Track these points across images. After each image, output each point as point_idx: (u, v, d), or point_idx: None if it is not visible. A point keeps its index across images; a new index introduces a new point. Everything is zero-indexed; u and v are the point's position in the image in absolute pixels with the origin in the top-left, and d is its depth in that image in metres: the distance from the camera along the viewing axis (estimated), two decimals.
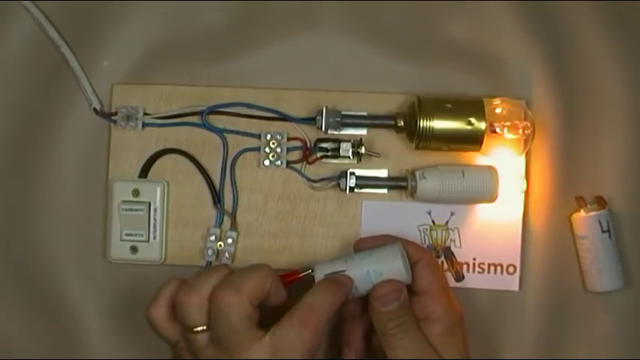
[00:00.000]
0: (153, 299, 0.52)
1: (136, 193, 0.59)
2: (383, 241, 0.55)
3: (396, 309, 0.51)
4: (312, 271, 0.54)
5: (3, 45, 0.61)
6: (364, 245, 0.56)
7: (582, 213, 0.59)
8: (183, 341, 0.51)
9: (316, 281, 0.53)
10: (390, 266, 0.53)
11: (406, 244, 0.54)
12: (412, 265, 0.54)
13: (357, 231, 0.60)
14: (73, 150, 0.61)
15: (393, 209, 0.60)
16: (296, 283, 0.55)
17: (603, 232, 0.58)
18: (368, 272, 0.52)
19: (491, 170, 0.58)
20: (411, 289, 0.54)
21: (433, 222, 0.60)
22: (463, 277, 0.60)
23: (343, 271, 0.53)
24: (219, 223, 0.60)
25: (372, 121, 0.59)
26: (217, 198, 0.60)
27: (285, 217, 0.60)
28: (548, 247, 0.60)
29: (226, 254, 0.60)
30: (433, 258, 0.57)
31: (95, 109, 0.61)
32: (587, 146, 0.60)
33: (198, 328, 0.50)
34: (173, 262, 0.60)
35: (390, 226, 0.59)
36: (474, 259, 0.60)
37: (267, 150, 0.60)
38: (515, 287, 0.60)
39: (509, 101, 0.58)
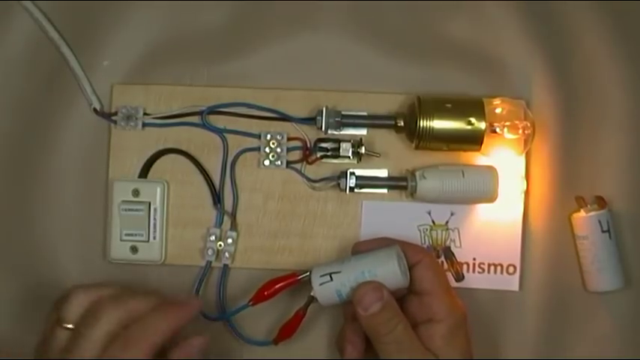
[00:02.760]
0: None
1: (136, 193, 0.59)
2: (381, 243, 0.55)
3: (380, 311, 0.51)
4: (310, 273, 0.54)
5: (3, 45, 0.61)
6: (362, 248, 0.56)
7: (582, 213, 0.59)
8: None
9: (313, 284, 0.53)
10: (385, 268, 0.52)
11: (405, 246, 0.54)
12: (413, 266, 0.54)
13: (357, 231, 0.60)
14: (73, 150, 0.61)
15: (393, 209, 0.60)
16: (295, 285, 0.55)
17: (603, 232, 0.58)
18: (363, 272, 0.52)
19: (491, 170, 0.58)
20: (413, 291, 0.54)
21: (433, 222, 0.60)
22: (463, 277, 0.60)
23: (339, 272, 0.53)
24: (219, 223, 0.60)
25: (372, 121, 0.59)
26: (217, 198, 0.60)
27: (285, 217, 0.60)
28: (548, 247, 0.60)
29: (226, 254, 0.60)
30: (434, 258, 0.57)
31: (95, 109, 0.61)
32: (587, 146, 0.61)
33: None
34: (173, 262, 0.60)
35: (390, 226, 0.59)
36: (474, 259, 0.60)
37: (267, 150, 0.60)
38: (515, 287, 0.60)
39: (509, 101, 0.58)
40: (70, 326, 0.50)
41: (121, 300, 0.50)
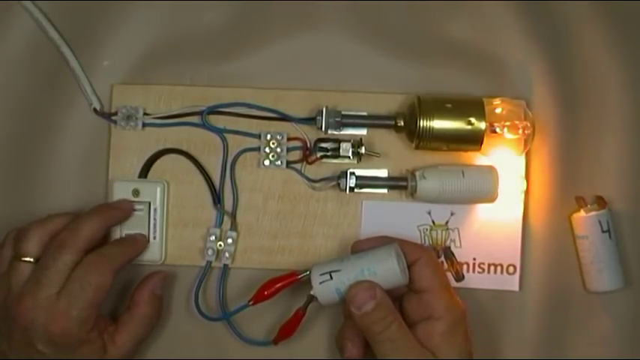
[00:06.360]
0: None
1: (136, 193, 0.59)
2: (380, 242, 0.55)
3: (373, 310, 0.51)
4: (310, 272, 0.54)
5: (3, 45, 0.61)
6: (361, 247, 0.56)
7: (582, 213, 0.59)
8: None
9: (312, 283, 0.53)
10: (384, 266, 0.53)
11: (404, 244, 0.54)
12: (411, 264, 0.54)
13: (357, 231, 0.60)
14: (73, 150, 0.61)
15: (393, 209, 0.60)
16: (295, 285, 0.55)
17: (603, 232, 0.58)
18: (362, 270, 0.53)
19: (491, 170, 0.58)
20: (412, 289, 0.54)
21: (433, 222, 0.60)
22: (463, 277, 0.60)
23: (338, 270, 0.53)
24: (219, 223, 0.60)
25: (372, 121, 0.59)
26: (217, 198, 0.60)
27: (285, 217, 0.60)
28: (548, 247, 0.60)
29: (226, 254, 0.60)
30: (432, 255, 0.57)
31: (95, 109, 0.61)
32: (587, 146, 0.61)
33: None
34: (173, 262, 0.60)
35: (390, 226, 0.59)
36: (474, 259, 0.60)
37: (267, 150, 0.60)
38: (515, 287, 0.60)
39: (509, 101, 0.58)
40: (29, 259, 0.54)
41: (75, 230, 0.54)
